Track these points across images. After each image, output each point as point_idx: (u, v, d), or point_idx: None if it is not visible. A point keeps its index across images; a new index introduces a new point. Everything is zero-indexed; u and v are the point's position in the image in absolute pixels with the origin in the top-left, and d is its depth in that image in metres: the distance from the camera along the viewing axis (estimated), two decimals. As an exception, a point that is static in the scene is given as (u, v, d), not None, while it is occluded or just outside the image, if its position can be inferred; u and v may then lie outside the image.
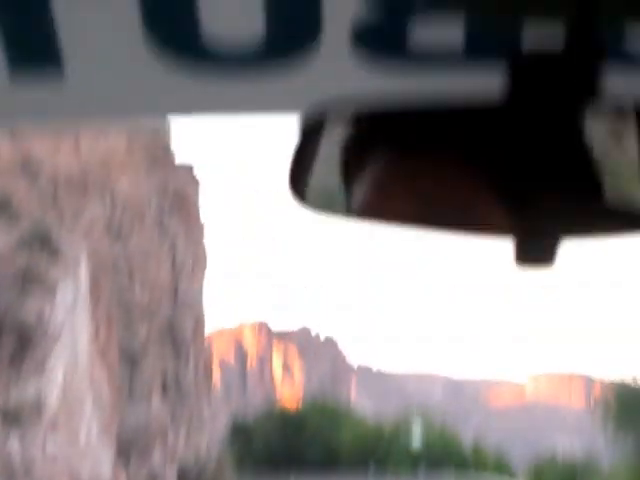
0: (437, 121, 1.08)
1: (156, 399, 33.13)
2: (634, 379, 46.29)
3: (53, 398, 23.87)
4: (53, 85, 1.59)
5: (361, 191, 1.14)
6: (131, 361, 32.68)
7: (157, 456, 31.51)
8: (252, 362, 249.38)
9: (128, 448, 30.31)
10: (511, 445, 74.55)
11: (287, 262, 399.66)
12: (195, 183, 42.52)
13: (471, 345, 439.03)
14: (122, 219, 35.69)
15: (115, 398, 26.97)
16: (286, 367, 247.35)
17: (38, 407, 23.35)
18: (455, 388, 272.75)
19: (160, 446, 31.79)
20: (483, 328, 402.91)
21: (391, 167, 1.12)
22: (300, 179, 1.15)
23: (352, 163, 1.14)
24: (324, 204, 1.19)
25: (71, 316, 24.68)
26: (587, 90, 1.10)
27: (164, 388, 34.36)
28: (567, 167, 1.09)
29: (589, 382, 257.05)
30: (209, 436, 37.96)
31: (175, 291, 36.57)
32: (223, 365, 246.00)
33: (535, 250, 1.15)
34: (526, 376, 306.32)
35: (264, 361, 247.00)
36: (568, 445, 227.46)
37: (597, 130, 1.08)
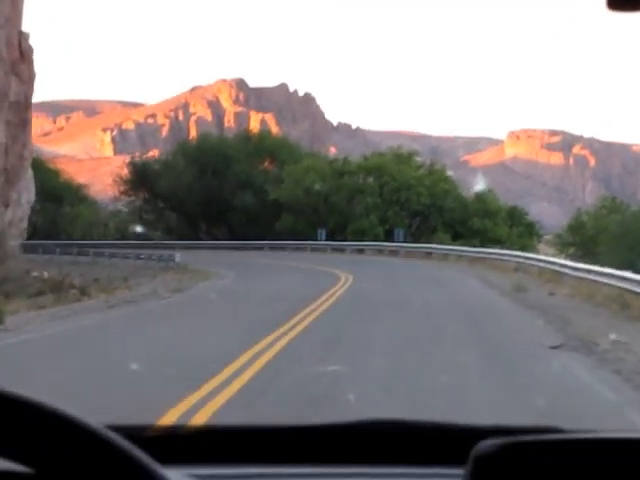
0: None
1: None
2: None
3: None
4: None
5: None
6: None
7: None
8: (229, 119, 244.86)
9: None
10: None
11: (267, 15, 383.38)
12: None
13: (448, 102, 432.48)
14: None
15: None
16: (264, 123, 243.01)
17: None
18: (434, 145, 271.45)
19: None
20: (462, 84, 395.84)
21: None
22: None
23: None
24: None
25: None
26: None
27: None
28: None
29: (569, 138, 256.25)
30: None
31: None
32: (200, 122, 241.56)
33: None
34: (505, 132, 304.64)
35: (241, 117, 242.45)
36: (547, 204, 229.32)
37: None
